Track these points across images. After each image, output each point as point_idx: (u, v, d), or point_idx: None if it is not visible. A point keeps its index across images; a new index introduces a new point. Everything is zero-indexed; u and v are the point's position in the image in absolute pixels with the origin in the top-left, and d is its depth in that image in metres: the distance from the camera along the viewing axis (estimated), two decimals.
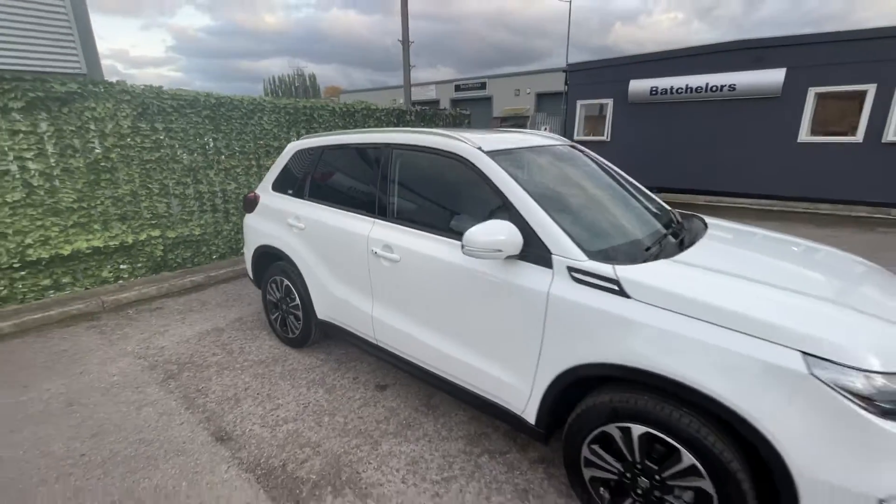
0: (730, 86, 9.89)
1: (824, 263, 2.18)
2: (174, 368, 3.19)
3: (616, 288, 1.72)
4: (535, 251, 1.93)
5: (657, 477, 1.68)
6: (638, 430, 1.68)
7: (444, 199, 2.50)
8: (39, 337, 3.70)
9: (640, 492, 1.75)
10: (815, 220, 8.11)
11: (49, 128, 4.12)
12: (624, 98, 11.58)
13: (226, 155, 5.49)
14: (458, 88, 30.05)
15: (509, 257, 1.96)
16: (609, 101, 12.00)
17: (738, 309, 1.51)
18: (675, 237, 2.31)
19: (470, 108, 11.73)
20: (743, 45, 9.62)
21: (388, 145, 2.67)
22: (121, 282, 4.76)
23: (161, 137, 4.87)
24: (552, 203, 2.10)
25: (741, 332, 1.48)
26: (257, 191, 3.67)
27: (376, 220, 2.64)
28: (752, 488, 1.51)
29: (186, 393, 2.89)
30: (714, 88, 10.10)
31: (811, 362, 1.38)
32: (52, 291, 4.33)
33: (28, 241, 4.10)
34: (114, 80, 4.69)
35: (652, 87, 11.09)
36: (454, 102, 30.08)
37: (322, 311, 3.10)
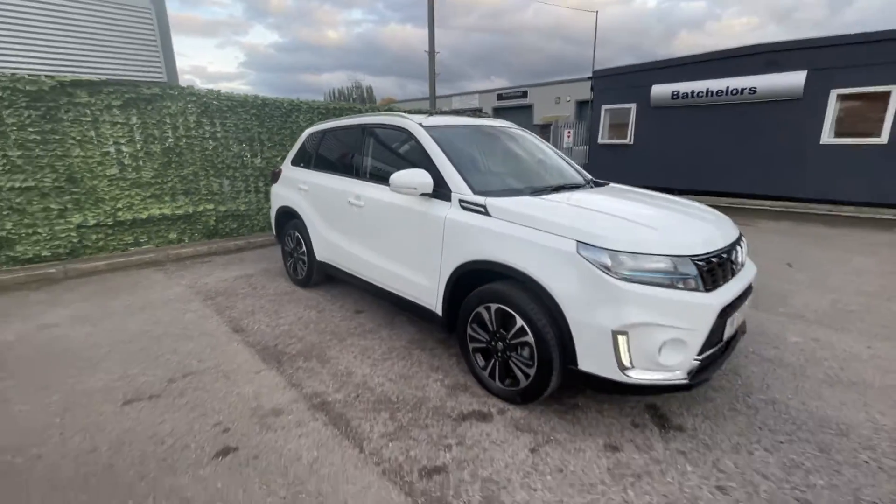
0: (750, 89, 10.03)
1: (663, 206, 2.85)
2: (212, 294, 4.28)
3: (483, 210, 2.52)
4: (441, 191, 2.76)
5: (506, 340, 2.44)
6: (494, 307, 2.45)
7: (396, 161, 3.38)
8: (123, 273, 4.97)
9: (498, 353, 2.51)
10: (832, 221, 8.14)
11: (137, 121, 5.46)
12: (646, 102, 11.92)
13: (268, 146, 6.71)
14: (500, 97, 30.93)
15: (424, 195, 2.80)
16: (632, 106, 12.36)
17: (546, 217, 2.27)
18: (560, 188, 3.05)
19: (511, 117, 12.39)
20: (762, 48, 9.77)
21: (363, 125, 3.61)
22: (182, 242, 6.03)
23: (217, 130, 6.14)
24: (463, 161, 2.93)
25: (545, 232, 2.24)
26: (281, 167, 4.74)
27: (353, 180, 3.58)
28: (554, 336, 2.23)
29: (218, 308, 3.94)
30: (734, 92, 10.27)
31: (579, 247, 2.11)
32: (132, 246, 5.64)
33: (119, 206, 5.44)
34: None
35: (673, 92, 11.38)
36: (496, 111, 30.97)
37: (319, 254, 4.06)
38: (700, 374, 2.17)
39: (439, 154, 2.89)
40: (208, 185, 6.18)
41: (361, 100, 34.63)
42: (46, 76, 4.82)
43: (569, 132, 13.20)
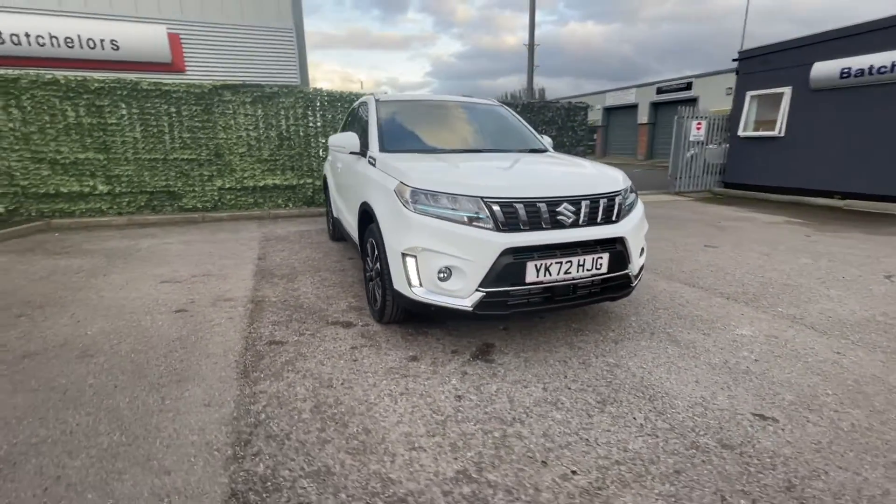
0: None
1: (528, 163, 3.08)
2: (270, 238, 5.71)
3: (373, 163, 3.10)
4: (364, 150, 3.42)
5: (375, 253, 2.97)
6: (370, 241, 3.03)
7: (362, 130, 4.10)
8: (234, 222, 6.89)
9: (370, 280, 3.07)
10: None
11: (261, 112, 7.37)
12: (805, 85, 9.90)
13: None
14: (659, 91, 28.07)
15: (352, 153, 3.49)
16: (785, 90, 10.37)
17: (396, 165, 2.75)
18: (476, 150, 3.40)
19: (668, 113, 11.04)
20: None
21: (355, 105, 4.46)
22: (287, 207, 7.84)
23: (318, 121, 7.76)
24: (392, 128, 3.52)
25: (388, 175, 2.72)
26: None
27: None
28: (373, 251, 2.72)
29: (262, 246, 5.30)
30: None
31: (398, 185, 2.56)
32: (252, 206, 7.64)
33: (245, 175, 7.46)
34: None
35: (843, 69, 9.22)
36: (654, 106, 28.25)
37: (333, 213, 5.08)
38: (487, 307, 2.38)
39: (372, 120, 3.55)
40: (309, 163, 7.86)
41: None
42: (207, 82, 7.00)
43: (699, 124, 11.60)
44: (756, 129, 11.08)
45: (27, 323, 2.99)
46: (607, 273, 2.58)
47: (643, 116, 29.34)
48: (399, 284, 2.53)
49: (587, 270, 2.51)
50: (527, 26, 16.54)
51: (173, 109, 6.84)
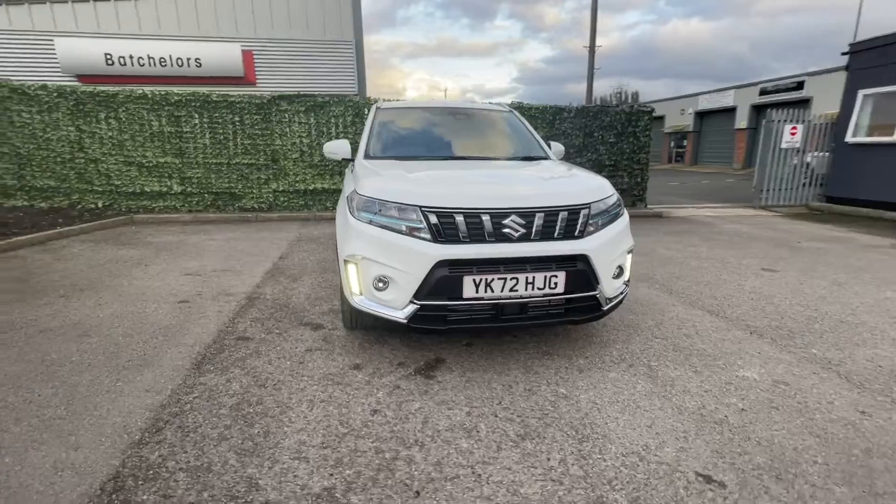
0: None
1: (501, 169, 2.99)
2: (303, 239, 6.05)
3: (352, 169, 3.15)
4: (354, 156, 3.48)
5: None
6: None
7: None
8: (280, 222, 7.41)
9: None
10: None
11: (314, 121, 7.87)
12: None
13: None
14: (763, 92, 25.00)
15: (344, 159, 3.57)
16: None
17: (360, 172, 2.76)
18: (463, 158, 3.32)
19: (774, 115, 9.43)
20: None
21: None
22: (331, 210, 8.27)
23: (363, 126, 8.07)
24: (385, 134, 3.54)
25: (353, 181, 2.74)
26: None
27: None
28: None
29: (291, 246, 5.63)
30: None
31: (352, 192, 2.56)
32: (303, 208, 8.16)
33: (297, 179, 8.00)
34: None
35: None
36: (756, 109, 25.24)
37: None
38: (423, 321, 2.28)
39: (367, 128, 3.61)
40: None
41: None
42: (266, 93, 7.64)
43: (794, 128, 10.10)
44: (870, 135, 9.42)
45: (62, 303, 3.48)
46: (565, 293, 2.34)
47: (742, 121, 26.38)
48: (346, 291, 2.53)
49: (538, 289, 2.30)
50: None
51: (237, 118, 7.57)
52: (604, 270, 2.43)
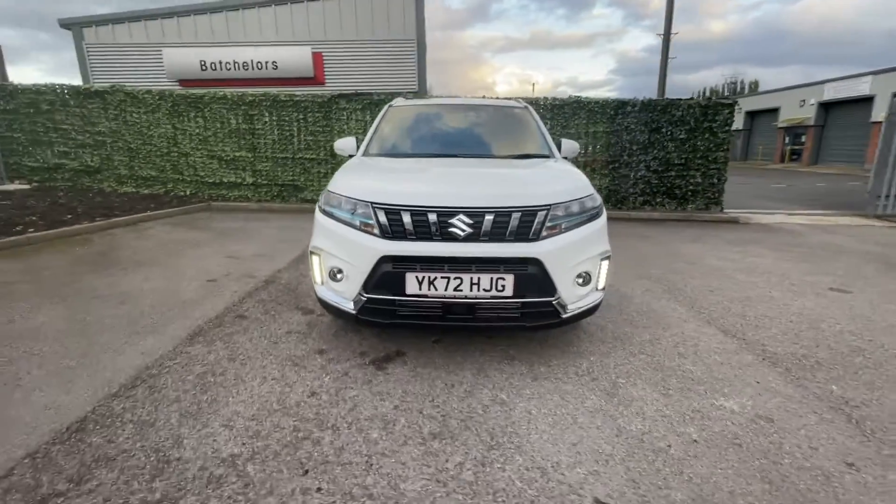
0: None
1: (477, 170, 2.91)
2: None
3: (357, 159, 3.31)
4: (359, 151, 3.65)
5: None
6: None
7: None
8: None
9: None
10: None
11: (369, 118, 8.26)
12: None
13: None
14: None
15: (350, 155, 3.75)
16: None
17: (340, 172, 2.90)
18: (457, 155, 3.32)
19: None
20: None
21: None
22: None
23: None
24: (389, 131, 3.67)
25: (334, 177, 2.89)
26: None
27: None
28: None
29: None
30: None
31: (327, 187, 2.71)
32: None
33: None
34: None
35: None
36: None
37: None
38: (370, 314, 2.36)
39: (374, 125, 3.75)
40: None
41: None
42: (327, 92, 8.17)
43: None
44: None
45: (120, 275, 4.14)
46: (514, 297, 2.27)
47: (881, 112, 22.18)
48: (313, 281, 2.70)
49: (485, 291, 2.26)
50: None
51: (301, 116, 8.22)
52: (562, 276, 2.31)
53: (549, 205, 2.35)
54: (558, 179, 2.70)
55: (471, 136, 3.75)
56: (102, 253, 4.91)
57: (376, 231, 2.33)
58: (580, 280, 2.41)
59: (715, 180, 8.44)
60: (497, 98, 5.03)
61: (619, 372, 2.51)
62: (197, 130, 8.34)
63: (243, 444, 1.86)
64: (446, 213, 2.28)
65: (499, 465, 1.76)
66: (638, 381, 2.42)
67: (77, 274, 4.13)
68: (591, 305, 2.50)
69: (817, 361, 2.69)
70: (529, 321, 2.36)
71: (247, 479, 1.67)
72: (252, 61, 9.74)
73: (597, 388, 2.33)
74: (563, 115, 8.27)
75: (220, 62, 9.82)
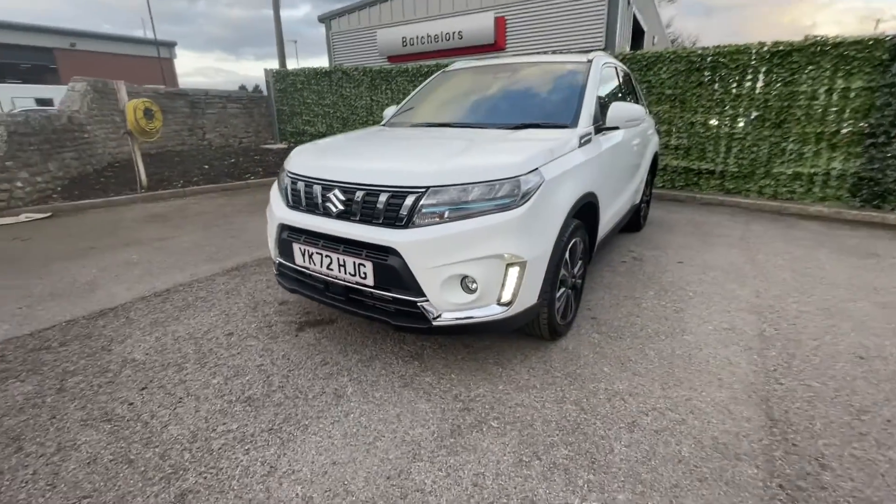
0: None
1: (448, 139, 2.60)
2: None
3: (364, 129, 3.41)
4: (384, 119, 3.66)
5: None
6: None
7: None
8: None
9: None
10: None
11: None
12: None
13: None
14: None
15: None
16: None
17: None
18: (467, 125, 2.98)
19: None
20: None
21: None
22: None
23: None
24: (413, 102, 3.57)
25: None
26: None
27: None
28: None
29: None
30: None
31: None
32: None
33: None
34: None
35: None
36: None
37: None
38: (281, 277, 2.50)
39: (413, 92, 3.71)
40: None
41: None
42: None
43: None
44: None
45: (232, 239, 5.43)
46: (375, 287, 2.05)
47: None
48: None
49: (350, 275, 2.11)
50: None
51: None
52: (428, 275, 1.92)
53: (426, 186, 1.94)
54: (482, 155, 2.16)
55: (492, 102, 3.25)
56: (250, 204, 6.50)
57: (285, 200, 2.42)
58: (468, 284, 1.95)
59: None
60: (566, 54, 4.04)
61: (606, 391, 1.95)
62: (385, 102, 9.66)
63: (145, 353, 2.39)
64: (327, 188, 2.19)
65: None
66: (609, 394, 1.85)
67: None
68: (482, 320, 1.99)
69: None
70: (394, 319, 2.08)
71: (140, 419, 2.18)
72: (441, 33, 10.39)
73: (568, 402, 1.91)
74: (791, 65, 5.83)
75: (417, 37, 10.87)
